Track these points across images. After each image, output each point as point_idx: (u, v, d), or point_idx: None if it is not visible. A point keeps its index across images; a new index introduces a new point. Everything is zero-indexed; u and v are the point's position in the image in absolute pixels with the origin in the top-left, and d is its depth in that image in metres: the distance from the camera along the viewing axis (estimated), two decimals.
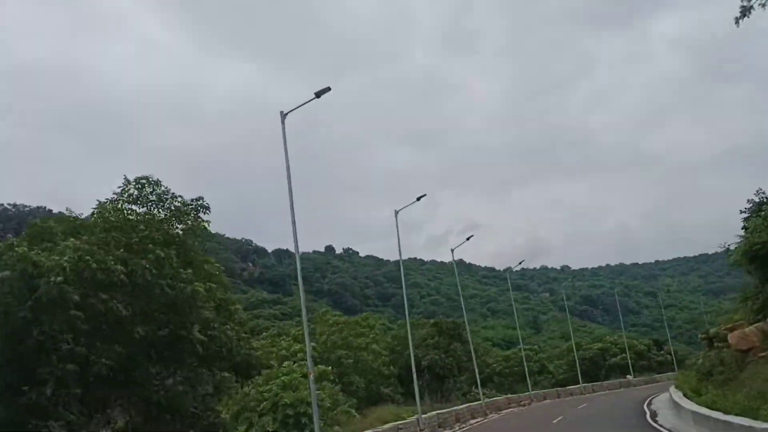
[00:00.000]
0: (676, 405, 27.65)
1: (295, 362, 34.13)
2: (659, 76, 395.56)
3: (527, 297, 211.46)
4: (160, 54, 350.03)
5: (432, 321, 69.72)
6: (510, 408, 53.87)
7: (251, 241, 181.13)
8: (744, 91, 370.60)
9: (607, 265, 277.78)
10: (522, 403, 57.26)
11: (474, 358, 52.72)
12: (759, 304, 28.79)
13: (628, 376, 70.95)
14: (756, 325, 26.55)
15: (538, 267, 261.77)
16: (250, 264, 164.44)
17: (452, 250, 52.98)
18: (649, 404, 39.66)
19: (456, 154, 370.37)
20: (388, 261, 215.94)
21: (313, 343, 35.17)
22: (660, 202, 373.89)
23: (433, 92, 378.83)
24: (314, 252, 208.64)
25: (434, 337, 62.89)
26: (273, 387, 29.46)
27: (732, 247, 31.86)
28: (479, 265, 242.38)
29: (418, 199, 38.58)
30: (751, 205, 32.68)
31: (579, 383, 65.79)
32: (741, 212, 32.95)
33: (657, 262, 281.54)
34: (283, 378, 29.94)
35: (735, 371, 24.63)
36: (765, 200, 32.05)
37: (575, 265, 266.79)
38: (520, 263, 74.74)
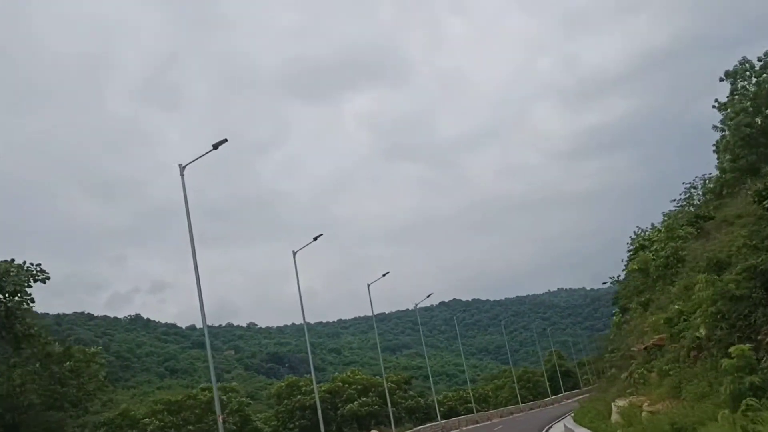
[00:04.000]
0: None
1: None
2: (347, 148, 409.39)
3: (211, 354, 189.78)
4: None
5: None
6: None
7: None
8: (417, 171, 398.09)
9: (293, 323, 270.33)
10: None
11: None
12: None
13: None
14: None
15: (224, 324, 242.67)
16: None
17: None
18: None
19: (146, 210, 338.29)
20: (47, 314, 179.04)
21: None
22: (342, 266, 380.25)
23: (128, 143, 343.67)
24: None
25: None
26: None
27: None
28: (158, 321, 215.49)
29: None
30: None
31: None
32: None
33: (340, 320, 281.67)
34: None
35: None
36: None
37: (262, 323, 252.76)
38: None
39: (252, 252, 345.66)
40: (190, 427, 35.37)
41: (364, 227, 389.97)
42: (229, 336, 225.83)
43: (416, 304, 51.07)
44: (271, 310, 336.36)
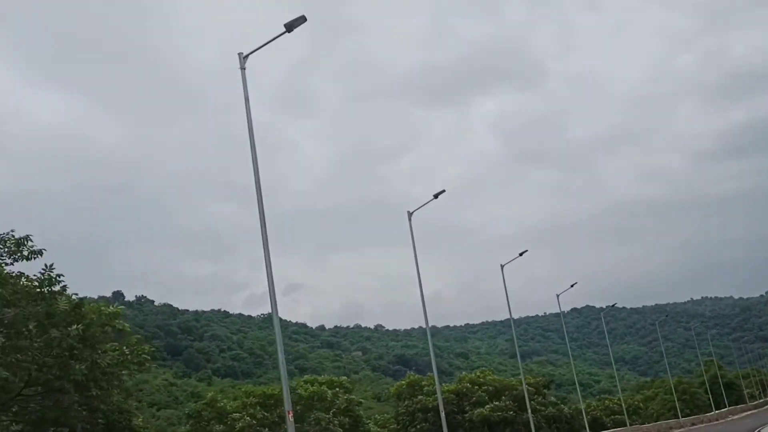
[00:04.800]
0: None
1: None
2: (475, 153, 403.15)
3: (339, 355, 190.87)
4: None
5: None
6: None
7: None
8: (546, 175, 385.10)
9: (420, 327, 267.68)
10: None
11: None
12: None
13: None
14: None
15: (351, 326, 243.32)
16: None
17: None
18: None
19: (281, 214, 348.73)
20: (186, 311, 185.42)
21: None
22: (471, 272, 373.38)
23: (263, 149, 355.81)
24: (100, 297, 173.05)
25: None
26: None
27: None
28: (290, 321, 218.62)
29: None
30: None
31: None
32: None
33: (467, 325, 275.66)
34: None
35: None
36: None
37: (389, 326, 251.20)
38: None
39: (381, 256, 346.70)
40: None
41: (493, 232, 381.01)
42: (356, 337, 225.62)
43: (558, 295, 44.33)
44: (398, 313, 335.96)
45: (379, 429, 36.32)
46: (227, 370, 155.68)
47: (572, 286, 43.17)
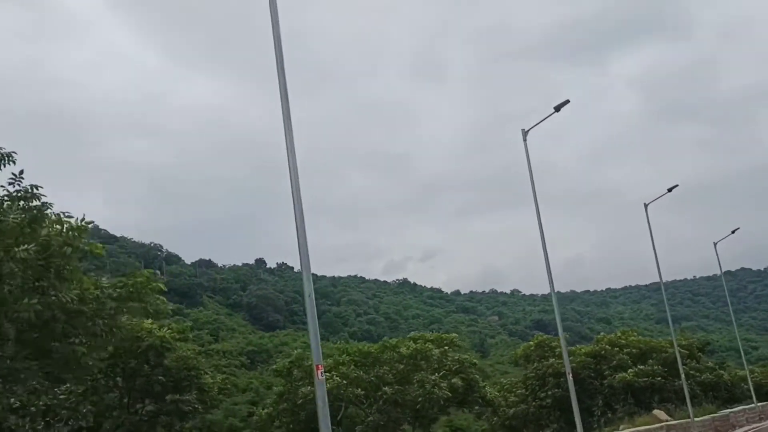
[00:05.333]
0: None
1: None
2: (616, 112, 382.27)
3: (475, 319, 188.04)
4: (124, 63, 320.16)
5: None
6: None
7: (161, 246, 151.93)
8: (694, 132, 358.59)
9: (558, 292, 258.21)
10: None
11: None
12: None
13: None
14: None
15: (487, 290, 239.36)
16: (157, 271, 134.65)
17: None
18: None
19: (418, 182, 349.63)
20: (324, 276, 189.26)
21: None
22: (611, 234, 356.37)
23: (398, 118, 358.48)
24: (243, 264, 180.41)
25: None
26: None
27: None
28: (424, 286, 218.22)
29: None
30: None
31: None
32: None
33: (608, 289, 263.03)
34: None
35: None
36: None
37: (526, 291, 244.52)
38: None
39: (519, 221, 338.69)
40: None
41: (637, 193, 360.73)
42: (492, 302, 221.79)
43: (715, 243, 37.68)
44: (536, 278, 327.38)
45: (498, 394, 31.94)
46: (363, 333, 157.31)
47: (733, 232, 37.25)
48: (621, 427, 25.48)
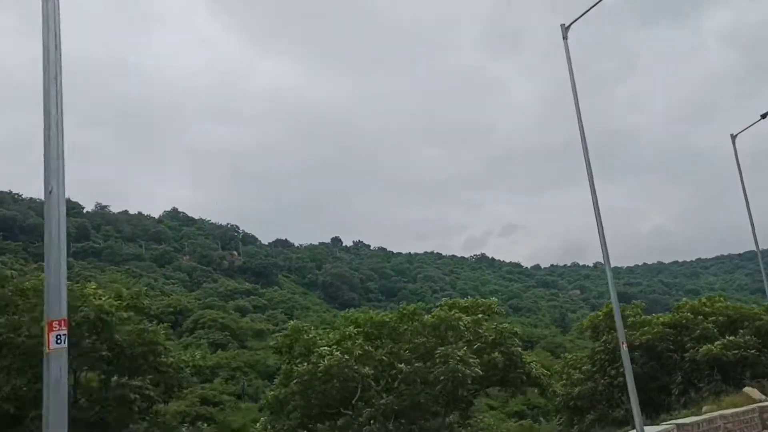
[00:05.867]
0: None
1: None
2: (704, 72, 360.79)
3: (555, 294, 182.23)
4: (203, 50, 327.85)
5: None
6: None
7: (237, 227, 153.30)
8: None
9: (644, 263, 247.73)
10: None
11: None
12: None
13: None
14: None
15: (569, 264, 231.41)
16: (235, 252, 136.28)
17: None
18: None
19: (493, 156, 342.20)
20: (400, 253, 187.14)
21: None
22: (701, 201, 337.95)
23: (472, 91, 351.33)
24: (320, 243, 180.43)
25: None
26: None
27: None
28: (503, 261, 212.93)
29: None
30: None
31: None
32: None
33: (699, 260, 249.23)
34: None
35: None
36: None
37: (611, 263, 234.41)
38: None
39: (604, 189, 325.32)
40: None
41: (728, 157, 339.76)
42: (574, 276, 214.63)
43: None
44: (620, 249, 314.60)
45: (546, 371, 26.76)
46: None
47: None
48: (704, 408, 21.33)
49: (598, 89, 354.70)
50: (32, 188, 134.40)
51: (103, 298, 20.54)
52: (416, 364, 18.78)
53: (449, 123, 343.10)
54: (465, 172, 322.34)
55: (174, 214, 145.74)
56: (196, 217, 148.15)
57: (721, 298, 33.86)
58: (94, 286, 20.68)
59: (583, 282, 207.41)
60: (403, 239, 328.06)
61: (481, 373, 19.00)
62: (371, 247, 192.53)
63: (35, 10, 6.12)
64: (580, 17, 13.82)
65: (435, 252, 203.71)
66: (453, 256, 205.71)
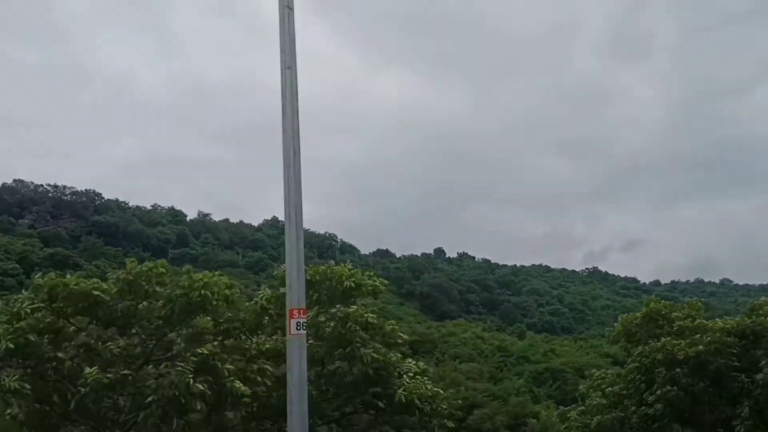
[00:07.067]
0: None
1: None
2: None
3: None
4: (323, 67, 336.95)
5: None
6: None
7: (335, 236, 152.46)
8: None
9: None
10: None
11: None
12: None
13: None
14: None
15: (692, 280, 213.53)
16: (332, 261, 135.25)
17: None
18: None
19: (616, 168, 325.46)
20: (504, 265, 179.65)
21: None
22: None
23: (592, 99, 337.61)
24: (422, 255, 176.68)
25: None
26: None
27: None
28: (618, 275, 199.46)
29: None
30: None
31: None
32: None
33: None
34: None
35: None
36: None
37: (740, 280, 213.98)
38: None
39: (735, 204, 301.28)
40: None
41: None
42: (697, 292, 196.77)
43: None
44: (752, 266, 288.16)
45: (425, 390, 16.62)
46: (544, 324, 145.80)
47: None
48: None
49: (730, 98, 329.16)
50: (140, 197, 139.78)
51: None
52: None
53: (570, 133, 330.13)
54: (585, 184, 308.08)
55: (273, 223, 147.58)
56: None
57: None
58: None
59: (707, 299, 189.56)
60: (514, 253, 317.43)
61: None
62: (476, 259, 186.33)
63: None
64: None
65: (543, 265, 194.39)
66: (563, 269, 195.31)
